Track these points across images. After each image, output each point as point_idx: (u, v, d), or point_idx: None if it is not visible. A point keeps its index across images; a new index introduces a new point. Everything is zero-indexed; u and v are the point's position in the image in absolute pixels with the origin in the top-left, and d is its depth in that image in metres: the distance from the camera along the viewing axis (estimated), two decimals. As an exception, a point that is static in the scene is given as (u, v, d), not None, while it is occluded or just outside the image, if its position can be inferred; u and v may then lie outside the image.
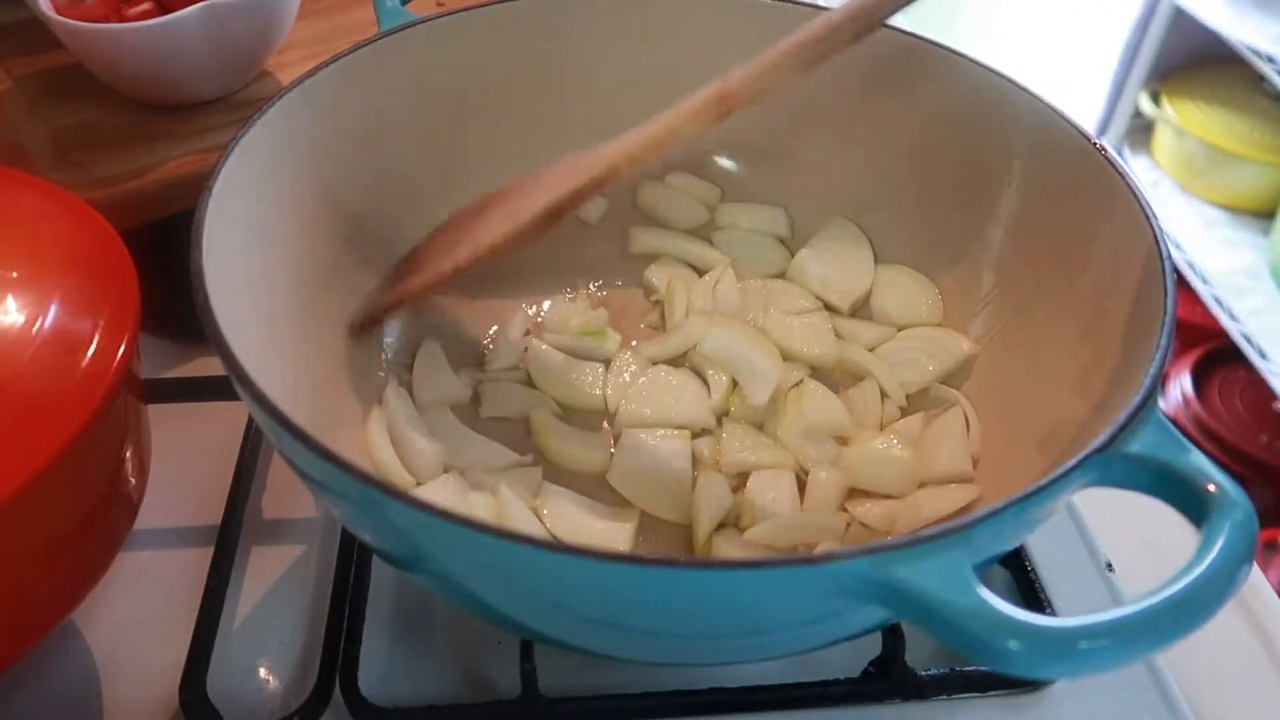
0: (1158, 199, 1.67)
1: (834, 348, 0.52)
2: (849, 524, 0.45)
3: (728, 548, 0.44)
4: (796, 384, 0.50)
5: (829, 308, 0.54)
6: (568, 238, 0.56)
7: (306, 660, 0.43)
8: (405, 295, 0.47)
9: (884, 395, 0.50)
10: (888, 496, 0.46)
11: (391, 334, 0.51)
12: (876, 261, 0.55)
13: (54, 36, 0.56)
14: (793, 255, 0.56)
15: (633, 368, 0.51)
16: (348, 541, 0.46)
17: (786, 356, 0.51)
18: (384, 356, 0.50)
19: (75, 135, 0.57)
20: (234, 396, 0.34)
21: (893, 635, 0.42)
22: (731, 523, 0.46)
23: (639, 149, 0.44)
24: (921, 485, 0.46)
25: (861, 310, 0.54)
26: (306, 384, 0.43)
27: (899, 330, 0.53)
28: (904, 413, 0.50)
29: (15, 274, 0.38)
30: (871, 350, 0.52)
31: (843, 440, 0.48)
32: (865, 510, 0.46)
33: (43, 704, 0.42)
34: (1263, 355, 1.44)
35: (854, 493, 0.47)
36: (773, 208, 0.57)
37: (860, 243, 0.55)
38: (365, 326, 0.48)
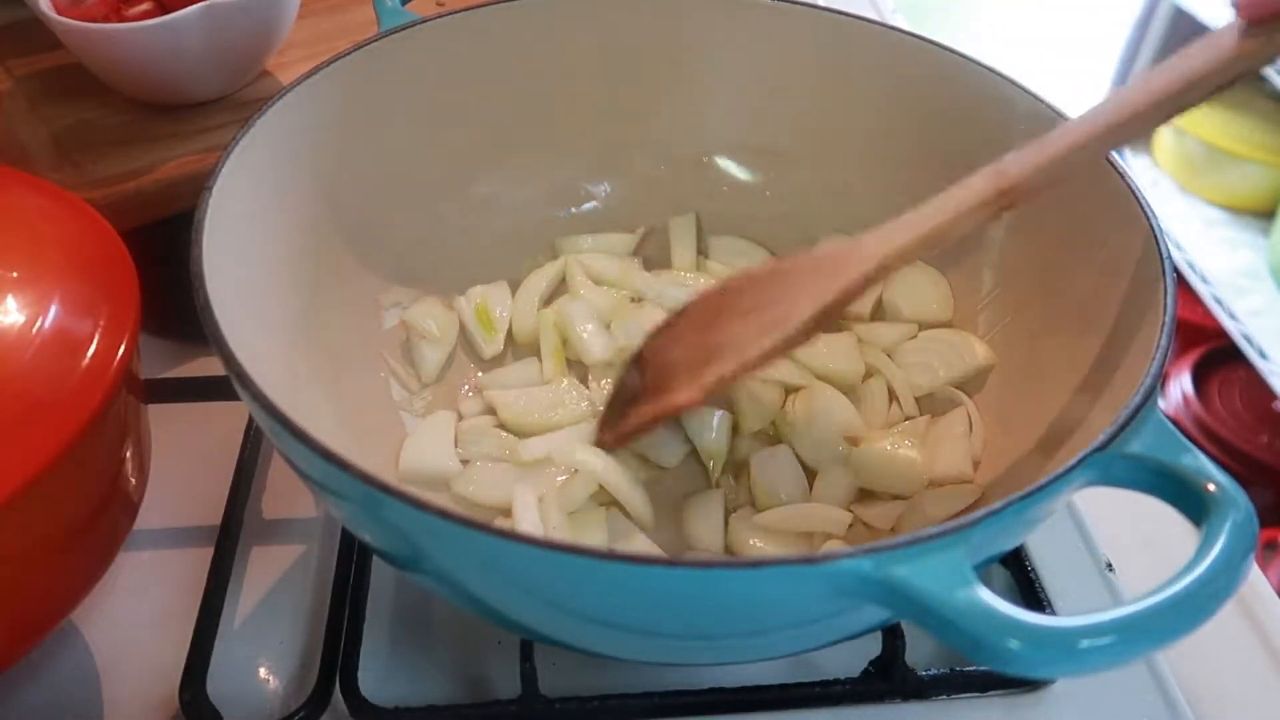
0: (1158, 199, 1.67)
1: (858, 364, 0.51)
2: (850, 524, 0.45)
3: (742, 528, 0.45)
4: (804, 387, 0.50)
5: (844, 316, 0.53)
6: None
7: (306, 660, 0.43)
8: (662, 413, 0.45)
9: (893, 398, 0.50)
10: (896, 497, 0.46)
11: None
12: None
13: (54, 36, 0.56)
14: None
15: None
16: (348, 541, 0.46)
17: (817, 376, 0.51)
18: (385, 356, 0.50)
19: (75, 135, 0.57)
20: (234, 396, 0.34)
21: (893, 635, 0.42)
22: (746, 503, 0.47)
23: (912, 246, 0.40)
24: (928, 486, 0.46)
25: (875, 310, 0.54)
26: (306, 384, 0.43)
27: (918, 327, 0.52)
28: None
29: (15, 274, 0.38)
30: (890, 351, 0.52)
31: (853, 441, 0.48)
32: (869, 510, 0.46)
33: (43, 704, 0.42)
34: (1263, 355, 1.44)
35: (859, 493, 0.47)
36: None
37: None
38: (617, 443, 0.47)
